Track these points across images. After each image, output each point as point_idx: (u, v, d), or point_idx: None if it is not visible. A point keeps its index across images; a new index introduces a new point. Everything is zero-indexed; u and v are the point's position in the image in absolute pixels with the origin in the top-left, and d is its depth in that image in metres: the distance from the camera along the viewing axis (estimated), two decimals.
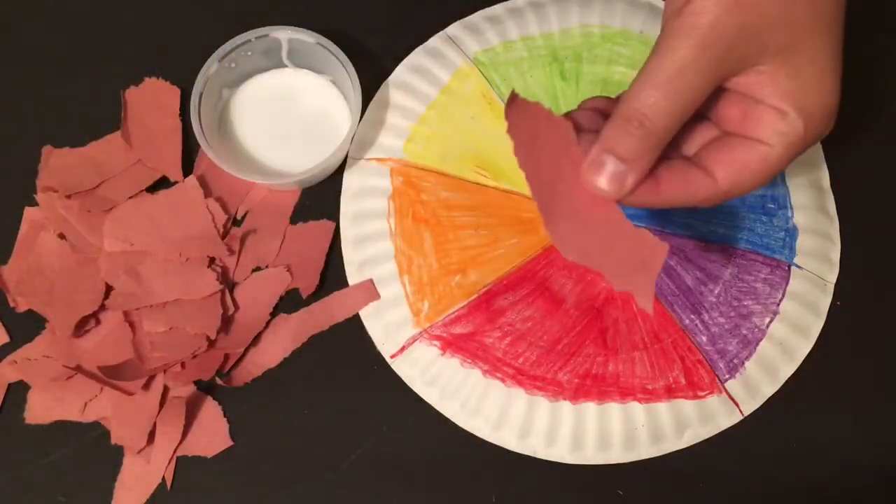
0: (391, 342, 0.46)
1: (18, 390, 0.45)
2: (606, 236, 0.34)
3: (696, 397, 0.44)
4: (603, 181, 0.33)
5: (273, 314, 0.46)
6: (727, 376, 0.45)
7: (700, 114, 0.35)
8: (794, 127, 0.33)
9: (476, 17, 0.50)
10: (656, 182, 0.34)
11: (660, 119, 0.32)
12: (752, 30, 0.32)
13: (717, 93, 0.35)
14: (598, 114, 0.35)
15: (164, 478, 0.44)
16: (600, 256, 0.34)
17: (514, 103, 0.33)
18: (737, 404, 0.45)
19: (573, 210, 0.34)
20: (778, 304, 0.46)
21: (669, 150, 0.35)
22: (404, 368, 0.45)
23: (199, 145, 0.46)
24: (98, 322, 0.45)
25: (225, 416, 0.44)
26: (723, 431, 0.45)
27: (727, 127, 0.35)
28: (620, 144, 0.32)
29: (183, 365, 0.44)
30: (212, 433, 0.44)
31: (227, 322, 0.45)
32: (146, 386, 0.44)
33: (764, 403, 0.45)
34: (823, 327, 0.46)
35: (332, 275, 0.47)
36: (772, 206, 0.47)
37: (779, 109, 0.33)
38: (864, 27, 0.51)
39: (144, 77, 0.48)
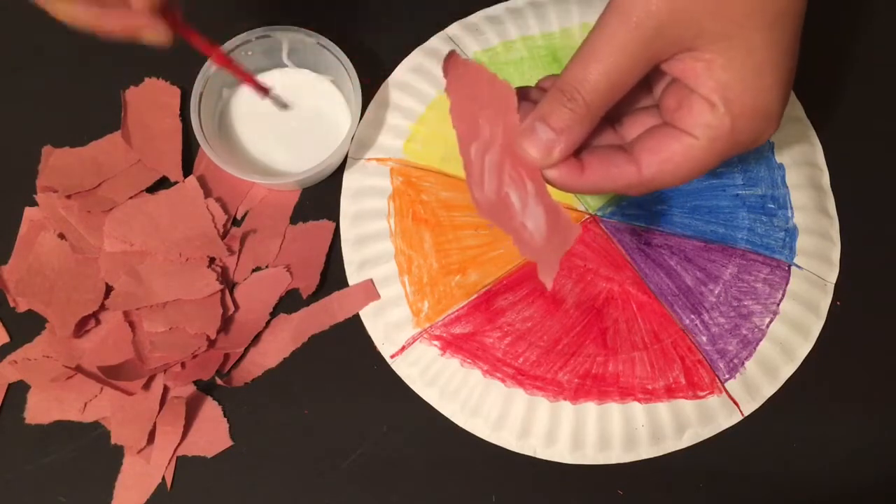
0: (391, 342, 0.46)
1: (18, 390, 0.45)
2: (524, 203, 0.35)
3: (696, 397, 0.44)
4: (533, 147, 0.34)
5: (273, 314, 0.46)
6: (727, 376, 0.45)
7: (652, 101, 0.36)
8: (721, 121, 0.33)
9: (476, 17, 0.50)
10: (581, 165, 0.34)
11: (589, 94, 0.33)
12: (686, 12, 0.31)
13: (665, 81, 0.35)
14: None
15: (164, 478, 0.44)
16: (513, 221, 0.35)
17: (452, 61, 0.35)
18: (737, 404, 0.45)
19: (498, 173, 0.35)
20: (778, 304, 0.46)
21: (610, 137, 0.36)
22: (404, 368, 0.45)
23: (199, 145, 0.46)
24: (98, 322, 0.45)
25: (225, 416, 0.44)
26: (723, 431, 0.45)
27: (665, 116, 0.35)
28: (553, 115, 0.33)
29: (183, 365, 0.44)
30: (212, 433, 0.44)
31: (227, 322, 0.45)
32: (146, 386, 0.44)
33: (764, 403, 0.45)
34: (823, 327, 0.46)
35: (332, 275, 0.47)
36: (772, 206, 0.47)
37: (709, 101, 0.33)
38: (864, 28, 0.51)
39: (144, 77, 0.48)
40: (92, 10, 0.33)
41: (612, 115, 0.36)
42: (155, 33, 0.34)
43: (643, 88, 0.37)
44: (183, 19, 0.35)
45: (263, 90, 0.43)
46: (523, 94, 0.35)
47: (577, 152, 0.35)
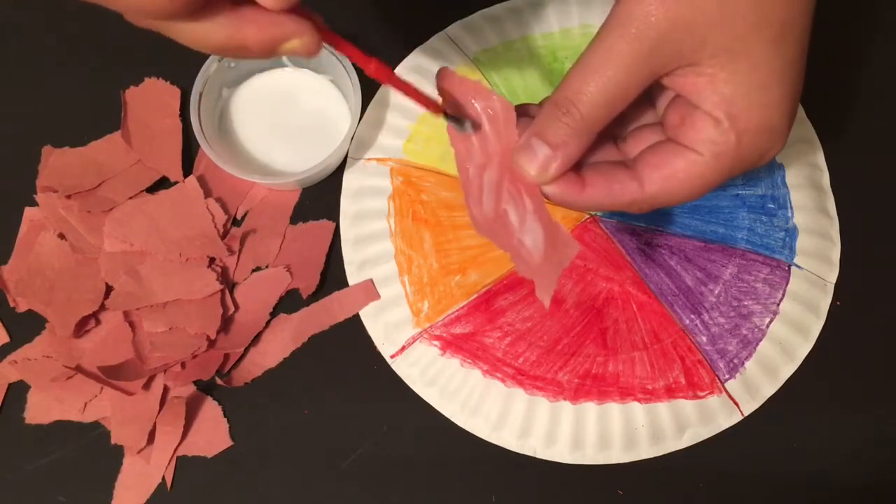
0: (391, 342, 0.46)
1: (18, 390, 0.45)
2: (522, 220, 0.34)
3: (696, 397, 0.44)
4: (529, 164, 0.33)
5: (273, 314, 0.46)
6: (727, 376, 0.45)
7: (655, 118, 0.36)
8: (726, 137, 0.32)
9: (476, 17, 0.50)
10: (581, 181, 0.34)
11: (586, 108, 0.32)
12: (687, 23, 0.30)
13: (668, 97, 0.34)
14: None
15: (164, 478, 0.44)
16: (511, 238, 0.34)
17: (446, 77, 0.34)
18: (737, 404, 0.45)
19: (496, 190, 0.34)
20: (778, 304, 0.46)
21: (613, 154, 0.35)
22: (404, 368, 0.45)
23: (199, 145, 0.46)
24: (98, 322, 0.45)
25: (225, 416, 0.44)
26: (723, 431, 0.45)
27: (668, 132, 0.34)
28: (549, 130, 0.32)
29: (183, 365, 0.44)
30: (212, 433, 0.44)
31: (227, 322, 0.45)
32: (146, 386, 0.44)
33: (764, 403, 0.45)
34: (823, 327, 0.46)
35: (332, 275, 0.47)
36: (772, 206, 0.47)
37: (713, 116, 0.32)
38: (864, 28, 0.51)
39: (144, 77, 0.48)
40: (228, 21, 0.27)
41: (616, 133, 0.36)
42: (300, 41, 0.28)
43: (646, 105, 0.36)
44: (326, 25, 0.29)
45: (437, 108, 0.34)
46: (523, 110, 0.35)
47: (578, 168, 0.34)
